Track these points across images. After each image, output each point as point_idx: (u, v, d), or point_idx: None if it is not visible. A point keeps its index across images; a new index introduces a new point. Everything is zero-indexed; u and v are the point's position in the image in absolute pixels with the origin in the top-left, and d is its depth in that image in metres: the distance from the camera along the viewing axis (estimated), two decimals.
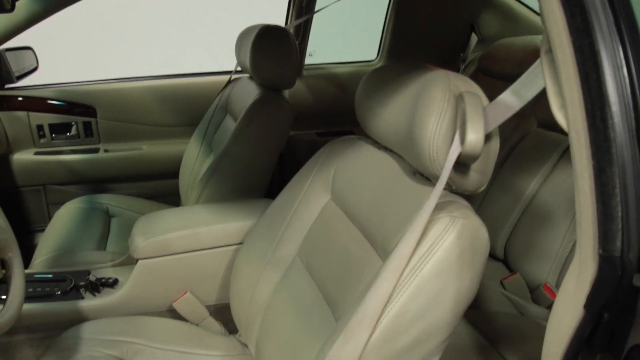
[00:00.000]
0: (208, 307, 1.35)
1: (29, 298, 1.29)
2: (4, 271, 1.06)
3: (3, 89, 2.12)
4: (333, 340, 0.79)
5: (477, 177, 0.79)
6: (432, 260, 0.73)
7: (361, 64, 2.49)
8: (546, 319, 1.43)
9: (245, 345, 1.24)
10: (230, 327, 1.33)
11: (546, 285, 1.42)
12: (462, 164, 0.77)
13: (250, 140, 1.49)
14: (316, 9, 2.16)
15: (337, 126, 2.36)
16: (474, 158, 0.74)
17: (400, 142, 0.88)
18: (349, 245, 0.96)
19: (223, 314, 1.37)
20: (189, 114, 2.21)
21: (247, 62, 1.58)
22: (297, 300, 1.04)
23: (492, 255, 1.60)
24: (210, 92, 2.15)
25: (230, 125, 1.72)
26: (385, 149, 1.00)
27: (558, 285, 1.41)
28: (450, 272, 0.74)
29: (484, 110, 0.73)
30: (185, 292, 1.33)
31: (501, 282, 1.54)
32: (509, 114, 0.73)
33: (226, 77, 2.05)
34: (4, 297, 1.29)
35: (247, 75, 1.84)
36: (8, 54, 2.10)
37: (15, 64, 2.14)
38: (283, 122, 1.51)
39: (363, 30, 3.56)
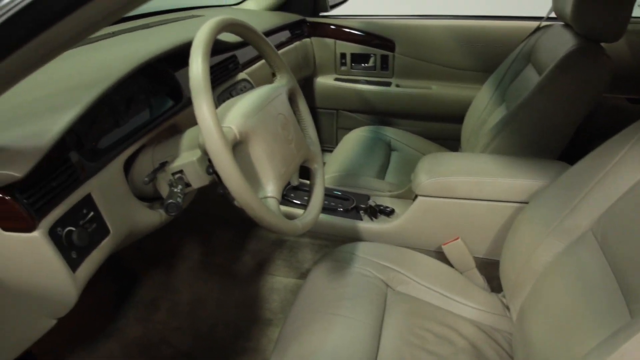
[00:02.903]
0: (475, 259, 1.33)
1: None
2: (302, 180, 1.19)
3: (318, 16, 2.32)
4: (627, 335, 0.69)
5: None
6: None
7: None
8: None
9: (507, 308, 1.20)
10: (494, 285, 1.29)
11: None
12: None
13: (557, 94, 1.35)
14: None
15: None
16: None
17: None
18: None
19: (489, 270, 1.33)
20: (484, 59, 2.13)
21: (568, 7, 1.42)
22: (581, 278, 0.94)
23: None
24: (512, 38, 2.02)
25: (530, 76, 1.60)
26: None
27: None
28: None
29: None
30: (457, 238, 1.32)
31: None
32: None
33: (532, 24, 1.90)
34: (297, 201, 1.47)
35: (559, 23, 1.67)
36: None
37: None
38: (599, 79, 1.33)
39: None
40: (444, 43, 2.17)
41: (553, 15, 1.67)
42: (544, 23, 1.79)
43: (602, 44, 1.42)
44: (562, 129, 1.40)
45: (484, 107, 1.78)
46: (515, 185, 1.28)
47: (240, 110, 0.89)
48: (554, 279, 1.00)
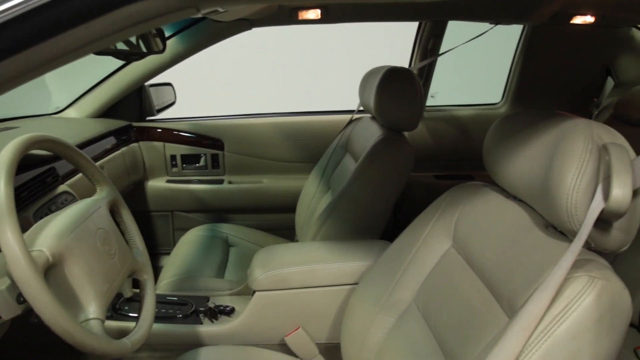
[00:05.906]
0: (318, 345, 1.35)
1: (155, 318, 1.37)
2: (136, 290, 1.14)
3: (144, 120, 2.31)
4: None
5: (620, 236, 0.73)
6: (567, 322, 0.67)
7: (484, 106, 2.41)
8: None
9: None
10: None
11: None
12: (603, 221, 0.71)
13: (370, 181, 1.48)
14: (440, 51, 2.16)
15: (456, 170, 2.30)
16: (618, 215, 0.68)
17: (533, 193, 0.83)
18: (471, 296, 0.92)
19: (332, 354, 1.36)
20: (309, 151, 2.28)
21: (371, 103, 1.60)
22: (411, 348, 1.00)
23: None
24: (331, 131, 2.20)
25: (349, 164, 1.74)
26: (514, 198, 0.95)
27: None
28: (586, 337, 0.67)
29: (631, 164, 0.67)
30: (298, 328, 1.34)
31: (635, 351, 1.39)
32: None
33: (347, 117, 2.09)
34: (133, 314, 1.39)
35: (368, 115, 1.86)
36: (151, 89, 2.30)
37: (156, 98, 2.34)
38: (404, 164, 1.50)
39: (486, 71, 3.49)
40: (270, 138, 2.28)
41: (362, 108, 1.86)
42: (355, 116, 1.98)
43: (405, 132, 1.60)
44: (380, 210, 1.53)
45: (312, 196, 1.88)
46: (344, 268, 1.35)
47: (53, 230, 0.84)
48: (389, 353, 1.05)
